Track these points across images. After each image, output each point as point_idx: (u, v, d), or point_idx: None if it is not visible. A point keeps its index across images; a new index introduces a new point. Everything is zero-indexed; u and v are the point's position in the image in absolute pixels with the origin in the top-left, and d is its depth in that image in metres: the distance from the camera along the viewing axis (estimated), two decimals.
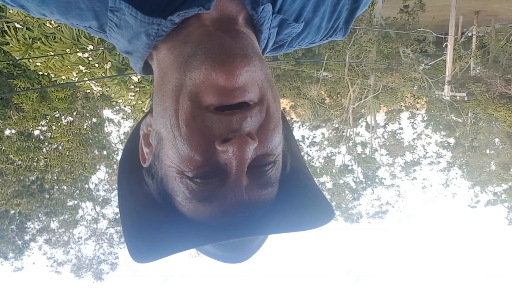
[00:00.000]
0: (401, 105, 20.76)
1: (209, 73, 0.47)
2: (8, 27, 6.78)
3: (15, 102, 11.99)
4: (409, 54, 18.35)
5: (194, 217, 0.53)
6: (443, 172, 20.59)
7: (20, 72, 10.62)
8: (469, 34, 17.77)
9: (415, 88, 19.16)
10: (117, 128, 16.95)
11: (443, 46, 14.95)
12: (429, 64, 17.47)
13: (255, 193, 0.52)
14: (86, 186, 16.18)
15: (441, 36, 15.86)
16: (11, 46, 6.74)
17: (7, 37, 6.80)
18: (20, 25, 6.35)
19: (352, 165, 20.45)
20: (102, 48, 5.83)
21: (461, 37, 17.64)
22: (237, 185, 0.50)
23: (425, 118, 21.41)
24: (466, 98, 15.56)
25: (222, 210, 0.51)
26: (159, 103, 0.53)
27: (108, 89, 6.94)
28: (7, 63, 9.97)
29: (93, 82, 6.69)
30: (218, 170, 0.50)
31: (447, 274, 23.20)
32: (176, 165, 0.50)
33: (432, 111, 20.48)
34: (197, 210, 0.52)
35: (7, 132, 13.83)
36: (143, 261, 0.49)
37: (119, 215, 0.57)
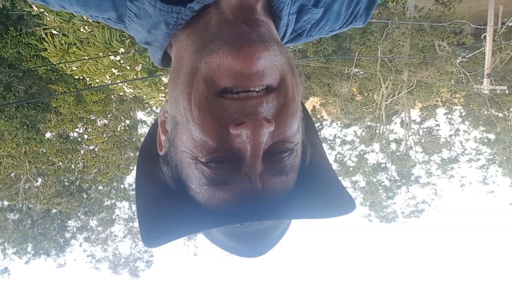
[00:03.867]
0: (437, 101, 20.05)
1: (226, 57, 0.46)
2: (46, 34, 7.10)
3: (54, 106, 12.58)
4: (445, 47, 17.68)
5: (207, 204, 0.51)
6: (482, 170, 19.72)
7: (58, 77, 11.13)
8: (510, 24, 16.88)
9: (452, 83, 18.45)
10: None
11: (482, 37, 14.30)
12: (467, 57, 16.78)
13: (268, 181, 0.50)
14: (122, 186, 16.71)
15: (480, 27, 15.18)
16: (49, 52, 7.06)
17: (44, 43, 7.14)
18: (57, 31, 6.64)
19: (385, 163, 19.98)
20: (133, 50, 5.99)
21: (502, 28, 16.79)
22: (252, 171, 0.48)
23: (463, 114, 20.57)
24: (507, 91, 14.80)
25: (237, 197, 0.50)
26: (174, 87, 0.52)
27: (140, 90, 7.13)
28: (45, 69, 10.46)
29: (125, 84, 6.88)
30: (232, 156, 0.48)
31: (486, 274, 22.25)
32: (190, 150, 0.50)
33: (471, 106, 19.65)
34: (211, 197, 0.51)
35: (47, 134, 14.52)
36: (154, 246, 0.49)
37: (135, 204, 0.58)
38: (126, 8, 0.55)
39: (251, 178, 0.49)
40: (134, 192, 0.60)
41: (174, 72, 0.54)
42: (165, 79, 6.46)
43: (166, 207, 0.54)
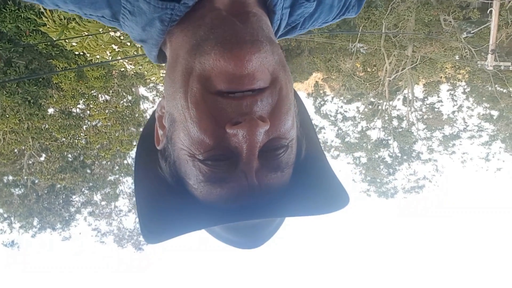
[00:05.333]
0: (441, 77, 19.81)
1: (218, 59, 0.47)
2: (44, 8, 7.00)
3: (55, 81, 12.52)
4: (450, 22, 17.33)
5: (206, 200, 0.53)
6: (485, 146, 19.70)
7: (58, 52, 11.03)
8: None
9: (456, 58, 18.17)
10: (152, 105, 17.34)
11: (488, 12, 13.98)
12: (472, 32, 16.44)
13: (264, 177, 0.52)
14: (125, 161, 16.82)
15: (486, 1, 14.82)
16: (48, 27, 6.98)
17: (43, 18, 7.05)
18: None
19: (387, 140, 19.97)
20: None
21: (509, 2, 16.38)
22: (249, 168, 0.50)
23: (467, 90, 20.37)
24: (511, 67, 14.60)
25: (234, 193, 0.51)
26: (170, 85, 0.53)
27: (141, 67, 7.09)
28: (45, 44, 10.35)
29: (126, 60, 6.83)
30: (229, 154, 0.50)
31: (488, 253, 22.58)
32: (187, 147, 0.51)
33: (475, 82, 19.43)
34: (209, 193, 0.53)
35: (50, 110, 14.52)
36: (154, 242, 0.51)
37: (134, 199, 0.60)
38: (120, 6, 0.55)
39: (247, 175, 0.51)
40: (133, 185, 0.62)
41: (170, 69, 0.55)
42: None
43: (166, 203, 0.55)
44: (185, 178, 0.54)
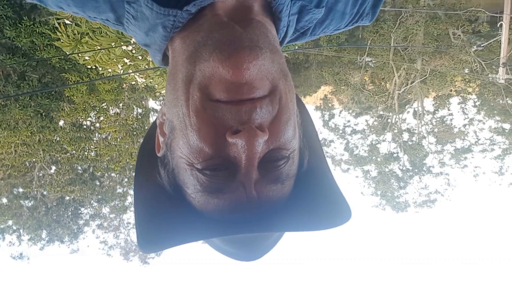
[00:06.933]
0: (451, 90, 19.71)
1: (217, 66, 0.46)
2: (59, 23, 7.15)
3: (67, 95, 12.73)
4: (459, 35, 17.32)
5: (203, 210, 0.52)
6: (498, 160, 19.44)
7: (71, 66, 11.25)
8: None
9: (466, 72, 18.10)
10: None
11: (498, 25, 13.95)
12: (482, 45, 16.39)
13: (263, 189, 0.50)
14: (134, 174, 16.86)
15: (496, 15, 14.80)
16: (62, 42, 7.11)
17: (58, 33, 7.19)
18: (69, 21, 6.67)
19: (398, 153, 19.83)
20: None
21: None
22: (247, 179, 0.49)
23: (477, 103, 20.22)
24: None
25: (232, 204, 0.50)
26: (171, 92, 0.52)
27: (152, 80, 7.16)
28: (59, 58, 10.56)
29: (137, 74, 6.91)
30: (228, 163, 0.49)
31: (502, 268, 22.08)
32: (186, 156, 0.50)
33: (485, 95, 19.29)
34: (207, 203, 0.51)
35: (61, 123, 14.71)
36: (149, 251, 0.49)
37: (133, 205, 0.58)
38: (124, 10, 0.55)
39: (246, 186, 0.49)
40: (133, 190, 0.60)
41: (170, 77, 0.54)
42: None
43: (163, 211, 0.54)
44: (183, 187, 0.53)
